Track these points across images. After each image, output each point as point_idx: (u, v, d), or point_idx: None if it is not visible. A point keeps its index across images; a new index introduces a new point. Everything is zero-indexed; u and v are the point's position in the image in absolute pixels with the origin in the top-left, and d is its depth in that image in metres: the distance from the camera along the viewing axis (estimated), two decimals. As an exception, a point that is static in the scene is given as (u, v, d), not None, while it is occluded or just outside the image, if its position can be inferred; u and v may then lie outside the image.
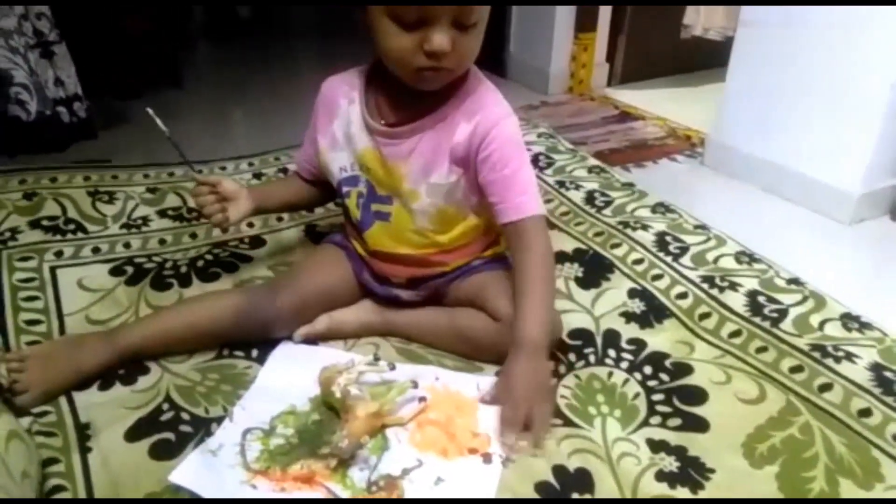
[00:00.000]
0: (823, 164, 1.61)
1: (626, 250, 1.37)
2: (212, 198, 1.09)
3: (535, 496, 0.84)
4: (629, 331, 1.15)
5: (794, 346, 1.11)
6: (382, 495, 0.83)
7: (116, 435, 0.90)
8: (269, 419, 0.93)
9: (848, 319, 1.17)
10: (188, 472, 0.84)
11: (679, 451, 0.91)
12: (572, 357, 1.08)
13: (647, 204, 1.55)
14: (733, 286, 1.26)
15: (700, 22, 2.32)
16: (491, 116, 0.99)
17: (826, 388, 1.02)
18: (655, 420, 0.96)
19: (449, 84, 0.98)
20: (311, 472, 0.85)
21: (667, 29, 2.44)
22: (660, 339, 1.13)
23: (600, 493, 0.85)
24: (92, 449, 0.88)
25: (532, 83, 2.48)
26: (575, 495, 0.84)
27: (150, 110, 1.05)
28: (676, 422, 0.96)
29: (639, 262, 1.33)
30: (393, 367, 0.98)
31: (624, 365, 1.07)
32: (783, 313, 1.19)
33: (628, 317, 1.18)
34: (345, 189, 1.09)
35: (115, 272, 1.26)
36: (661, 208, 1.53)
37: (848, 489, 0.86)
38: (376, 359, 1.00)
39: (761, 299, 1.23)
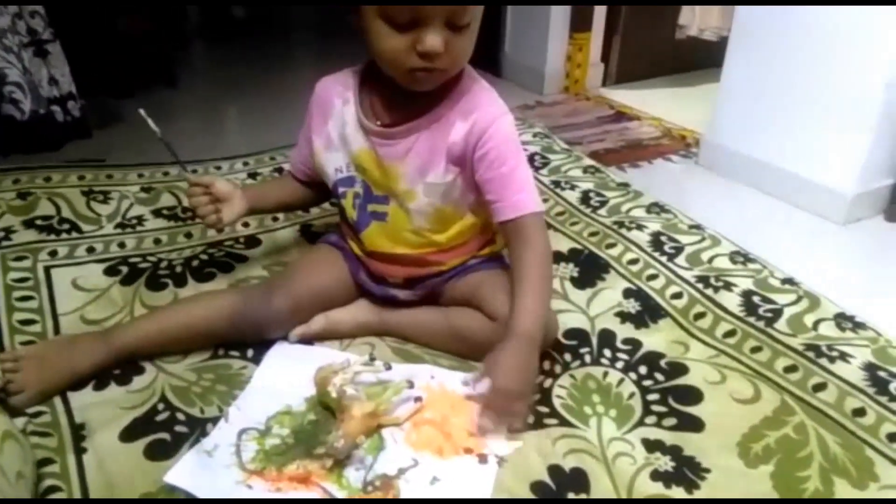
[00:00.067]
0: (818, 164, 1.62)
1: (621, 250, 1.37)
2: (205, 199, 1.09)
3: (531, 496, 0.84)
4: (624, 331, 1.15)
5: (788, 345, 1.11)
6: (378, 495, 0.83)
7: (111, 435, 0.90)
8: (265, 419, 0.93)
9: (842, 319, 1.18)
10: (183, 472, 0.84)
11: (674, 451, 0.91)
12: (568, 357, 1.08)
13: (642, 204, 1.55)
14: (728, 286, 1.26)
15: (695, 22, 2.33)
16: (487, 115, 0.99)
17: (820, 387, 1.03)
18: (651, 420, 0.97)
19: (444, 84, 0.98)
20: (306, 472, 0.85)
21: (661, 29, 2.45)
22: (655, 338, 1.13)
23: (596, 493, 0.85)
24: (87, 449, 0.88)
25: (527, 83, 2.48)
26: (570, 495, 0.84)
27: (142, 111, 1.05)
28: (671, 421, 0.96)
29: (634, 262, 1.34)
30: (389, 367, 0.98)
31: (619, 365, 1.07)
32: (777, 313, 1.19)
33: (623, 317, 1.18)
34: (341, 190, 1.09)
35: (109, 272, 1.26)
36: (656, 208, 1.54)
37: (842, 489, 0.86)
38: (372, 359, 1.00)
39: (756, 299, 1.23)
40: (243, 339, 1.07)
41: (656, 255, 1.36)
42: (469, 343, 1.04)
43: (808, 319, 1.18)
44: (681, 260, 1.34)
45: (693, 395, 1.01)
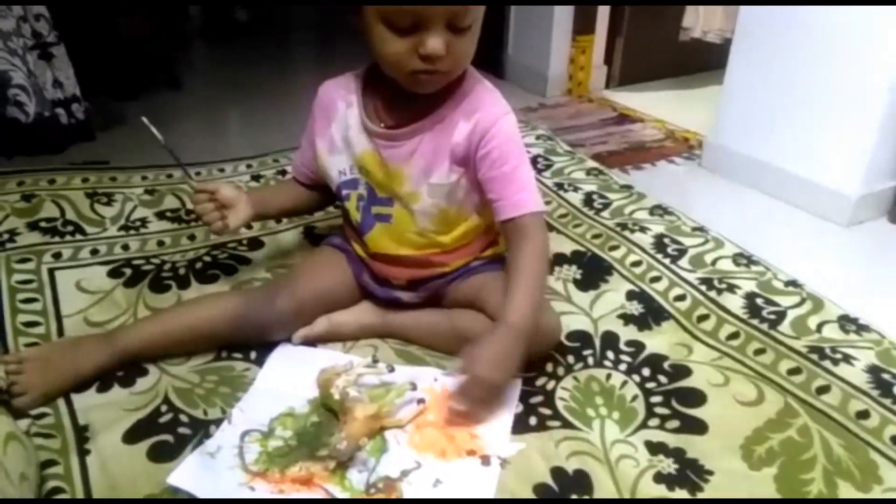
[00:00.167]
0: (821, 166, 1.61)
1: (624, 252, 1.37)
2: (211, 205, 1.09)
3: (534, 498, 0.84)
4: (627, 333, 1.15)
5: (792, 348, 1.11)
6: (381, 497, 0.83)
7: (115, 437, 0.90)
8: (268, 421, 0.93)
9: (846, 321, 1.18)
10: (186, 473, 0.84)
11: (677, 453, 0.91)
12: (571, 359, 1.08)
13: (645, 206, 1.55)
14: (731, 288, 1.26)
15: (699, 24, 2.32)
16: (490, 115, 0.99)
17: (824, 390, 1.03)
18: (654, 422, 0.97)
19: (447, 85, 0.98)
20: (309, 473, 0.85)
21: (664, 31, 2.44)
22: (658, 341, 1.13)
23: (599, 495, 0.85)
24: (90, 451, 0.88)
25: (530, 85, 2.48)
26: (573, 497, 0.84)
27: (144, 119, 1.05)
28: (675, 424, 0.96)
29: (637, 264, 1.34)
30: (392, 369, 0.98)
31: (622, 367, 1.07)
32: (781, 315, 1.19)
33: (627, 319, 1.18)
34: (344, 192, 1.09)
35: (113, 274, 1.26)
36: (660, 210, 1.53)
37: (846, 491, 0.86)
38: (375, 361, 1.00)
39: (759, 301, 1.23)
40: (246, 341, 1.07)
41: (659, 257, 1.36)
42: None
43: (812, 322, 1.18)
44: (684, 262, 1.34)
45: (696, 398, 1.01)
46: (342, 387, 0.92)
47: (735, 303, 1.22)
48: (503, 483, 0.86)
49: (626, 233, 1.43)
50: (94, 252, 1.33)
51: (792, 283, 1.28)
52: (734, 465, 0.90)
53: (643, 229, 1.45)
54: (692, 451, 0.92)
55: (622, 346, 1.11)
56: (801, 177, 1.65)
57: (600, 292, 1.25)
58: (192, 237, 1.40)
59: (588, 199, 1.58)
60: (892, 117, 1.50)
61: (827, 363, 1.08)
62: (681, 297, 1.24)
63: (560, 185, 1.65)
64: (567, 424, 0.95)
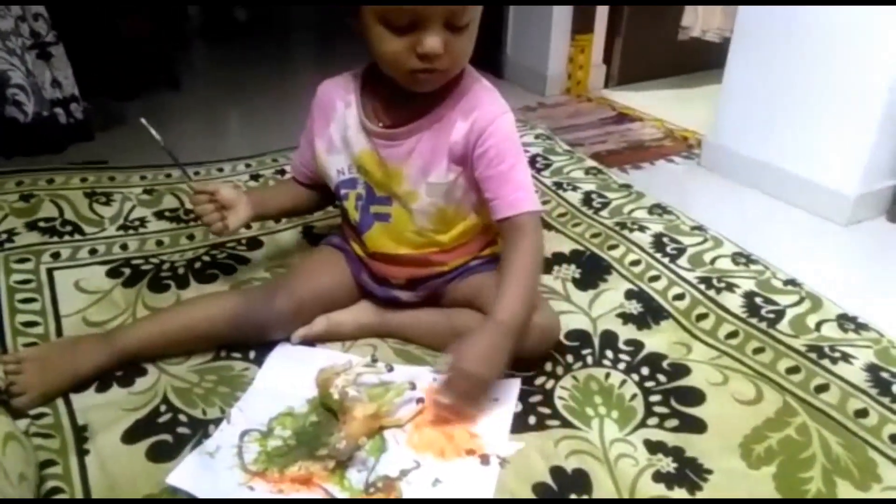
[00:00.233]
0: (820, 165, 1.61)
1: (623, 251, 1.37)
2: (210, 206, 1.09)
3: (533, 497, 0.84)
4: (626, 332, 1.15)
5: (790, 346, 1.11)
6: (380, 496, 0.83)
7: (114, 437, 0.90)
8: (267, 421, 0.93)
9: (844, 320, 1.18)
10: (186, 473, 0.84)
11: (676, 452, 0.91)
12: (570, 358, 1.08)
13: (644, 205, 1.55)
14: (730, 287, 1.26)
15: (698, 23, 2.32)
16: (487, 113, 0.99)
17: (823, 388, 1.03)
18: (653, 421, 0.97)
19: (445, 84, 0.98)
20: (308, 473, 0.85)
21: (663, 30, 2.45)
22: (657, 340, 1.13)
23: (598, 494, 0.85)
24: (89, 451, 0.88)
25: (529, 85, 2.48)
26: (573, 496, 0.84)
27: (143, 120, 1.05)
28: (674, 423, 0.96)
29: (636, 263, 1.34)
30: (391, 369, 0.98)
31: (621, 366, 1.07)
32: (780, 314, 1.19)
33: (625, 318, 1.18)
34: (343, 191, 1.09)
35: (112, 274, 1.26)
36: (658, 209, 1.53)
37: (845, 490, 0.86)
38: (374, 360, 1.00)
39: (758, 300, 1.23)
40: (245, 341, 1.07)
41: (658, 256, 1.36)
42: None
43: (811, 320, 1.18)
44: (683, 261, 1.34)
45: (695, 397, 1.01)
46: (341, 386, 0.92)
47: (734, 302, 1.22)
48: (502, 482, 0.86)
49: (625, 232, 1.43)
50: (93, 252, 1.33)
51: (791, 282, 1.28)
52: (733, 463, 0.90)
53: (642, 228, 1.45)
54: (691, 450, 0.92)
55: (621, 346, 1.11)
56: (800, 176, 1.65)
57: (599, 291, 1.25)
58: (190, 237, 1.40)
59: (587, 199, 1.58)
60: (891, 117, 1.50)
61: (826, 362, 1.08)
62: (680, 297, 1.24)
63: (559, 185, 1.65)
64: (566, 424, 0.95)
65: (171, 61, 2.40)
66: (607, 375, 1.05)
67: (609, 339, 1.13)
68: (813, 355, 1.09)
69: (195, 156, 1.72)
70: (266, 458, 0.87)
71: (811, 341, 1.13)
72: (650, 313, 1.19)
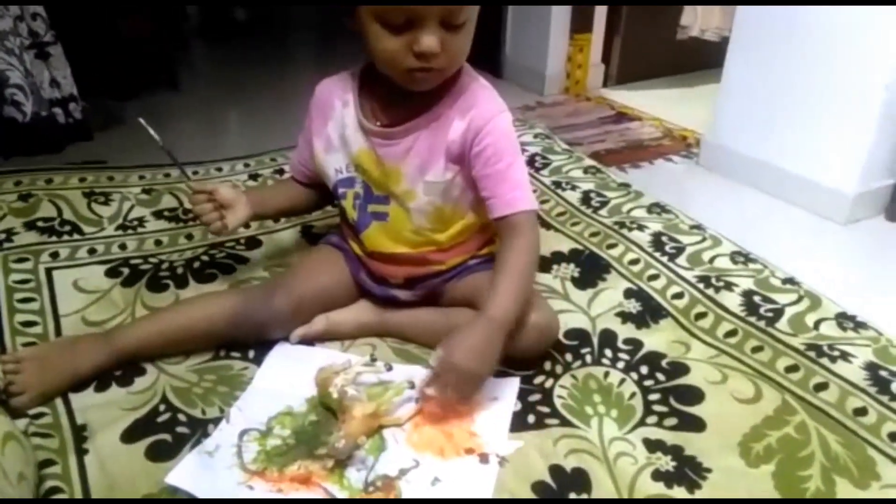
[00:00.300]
0: (819, 164, 1.61)
1: (622, 250, 1.37)
2: (209, 206, 1.09)
3: (532, 496, 0.84)
4: (625, 331, 1.15)
5: (789, 345, 1.11)
6: (379, 496, 0.83)
7: (113, 436, 0.90)
8: (266, 420, 0.94)
9: (843, 319, 1.18)
10: (185, 473, 0.84)
11: (675, 451, 0.91)
12: (569, 357, 1.08)
13: (642, 204, 1.55)
14: (729, 286, 1.26)
15: (697, 23, 2.33)
16: (484, 112, 0.99)
17: (822, 387, 1.03)
18: (652, 420, 0.97)
19: (442, 82, 0.98)
20: (308, 472, 0.85)
21: (662, 29, 2.45)
22: (656, 338, 1.13)
23: (597, 493, 0.85)
24: (88, 450, 0.88)
25: (528, 84, 2.48)
26: (572, 495, 0.84)
27: (142, 120, 1.05)
28: (673, 421, 0.96)
29: (635, 262, 1.34)
30: (390, 368, 0.98)
31: (620, 365, 1.07)
32: (779, 313, 1.19)
33: (624, 317, 1.18)
34: (341, 190, 1.09)
35: (111, 273, 1.26)
36: (657, 209, 1.54)
37: (844, 488, 0.86)
38: (373, 359, 1.00)
39: (757, 299, 1.23)
40: (244, 340, 1.07)
41: (657, 255, 1.36)
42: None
43: (810, 319, 1.18)
44: (682, 260, 1.34)
45: (694, 395, 1.01)
46: (340, 385, 0.92)
47: (733, 300, 1.22)
48: (502, 481, 0.86)
49: (624, 231, 1.43)
50: (92, 251, 1.33)
51: (789, 280, 1.28)
52: (732, 462, 0.90)
53: (641, 227, 1.45)
54: (690, 449, 0.92)
55: (620, 344, 1.11)
56: (799, 175, 1.65)
57: (598, 290, 1.25)
58: (189, 236, 1.40)
59: (586, 198, 1.58)
60: (890, 115, 1.50)
61: (825, 360, 1.08)
62: (678, 295, 1.24)
63: (558, 184, 1.65)
64: (565, 422, 0.95)
65: (170, 61, 2.40)
66: (606, 374, 1.05)
67: (608, 338, 1.13)
68: (812, 354, 1.09)
69: (194, 155, 1.72)
70: (265, 457, 0.87)
71: (810, 340, 1.13)
72: (649, 312, 1.19)
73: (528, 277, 0.99)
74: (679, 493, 0.85)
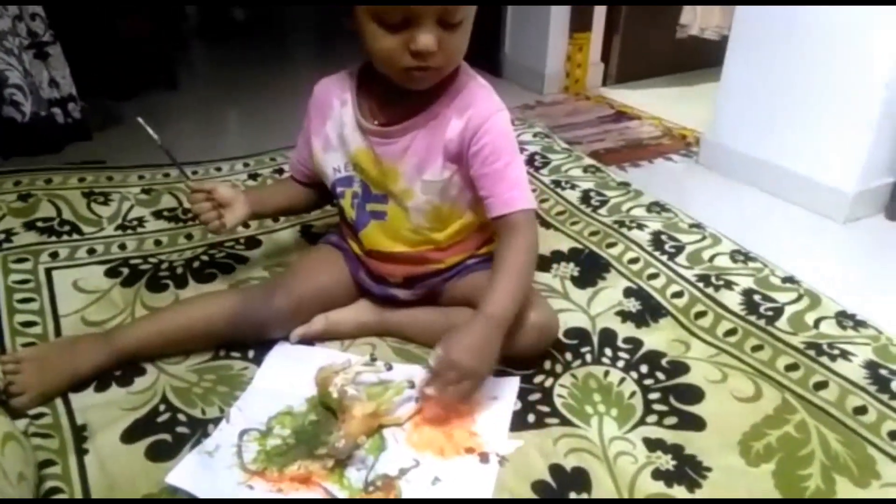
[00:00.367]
0: (818, 162, 1.61)
1: (621, 249, 1.37)
2: (207, 205, 1.09)
3: (533, 495, 0.84)
4: (625, 330, 1.15)
5: (789, 344, 1.11)
6: (380, 495, 0.83)
7: (113, 436, 0.90)
8: (266, 420, 0.93)
9: (843, 317, 1.18)
10: (185, 473, 0.84)
11: (675, 450, 0.91)
12: (569, 356, 1.08)
13: (642, 203, 1.55)
14: (729, 285, 1.26)
15: (697, 22, 2.33)
16: (482, 111, 0.99)
17: (821, 386, 1.03)
18: (652, 419, 0.97)
19: (440, 81, 0.98)
20: (308, 472, 0.85)
21: (661, 28, 2.45)
22: (656, 337, 1.13)
23: (597, 493, 0.85)
24: (88, 451, 0.88)
25: (527, 83, 2.48)
26: (572, 494, 0.84)
27: (140, 119, 1.05)
28: (673, 420, 0.96)
29: (634, 261, 1.34)
30: (390, 368, 0.98)
31: (620, 364, 1.07)
32: (778, 312, 1.19)
33: (624, 316, 1.18)
34: (339, 189, 1.09)
35: (110, 273, 1.26)
36: (657, 207, 1.53)
37: (844, 487, 0.86)
38: (373, 359, 1.00)
39: (757, 298, 1.23)
40: (244, 340, 1.07)
41: (657, 254, 1.36)
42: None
43: (809, 318, 1.18)
44: (681, 259, 1.34)
45: (694, 394, 1.01)
46: (340, 385, 0.92)
47: (732, 299, 1.22)
48: (502, 481, 0.86)
49: (624, 230, 1.43)
50: (91, 252, 1.33)
51: (789, 279, 1.28)
52: (732, 461, 0.90)
53: (640, 226, 1.45)
54: (690, 448, 0.92)
55: (620, 343, 1.11)
56: (799, 174, 1.65)
57: (598, 289, 1.25)
58: (189, 236, 1.39)
59: (585, 197, 1.58)
60: (889, 114, 1.51)
61: (824, 359, 1.08)
62: (678, 294, 1.24)
63: (557, 183, 1.65)
64: (565, 422, 0.95)
65: (168, 61, 2.40)
66: (606, 373, 1.05)
67: (608, 337, 1.13)
68: (812, 352, 1.09)
69: (193, 155, 1.72)
70: (265, 457, 0.87)
71: (810, 339, 1.13)
72: (649, 311, 1.19)
73: (526, 276, 0.99)
74: (679, 492, 0.85)
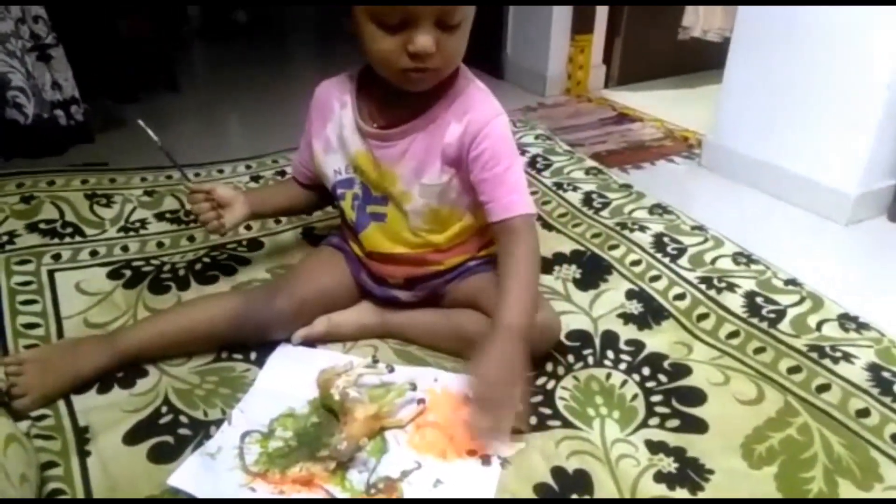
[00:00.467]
0: (821, 164, 1.61)
1: (623, 251, 1.37)
2: (207, 205, 1.09)
3: (534, 497, 0.84)
4: (627, 332, 1.15)
5: (791, 346, 1.11)
6: (381, 497, 0.83)
7: (115, 438, 0.90)
8: (268, 422, 0.93)
9: (845, 320, 1.18)
10: (187, 475, 0.84)
11: (678, 453, 0.91)
12: (570, 358, 1.08)
13: (644, 205, 1.55)
14: (731, 287, 1.26)
15: (699, 24, 2.33)
16: (481, 116, 0.99)
17: (824, 388, 1.03)
18: (654, 421, 0.97)
19: (438, 84, 0.98)
20: (309, 474, 0.85)
21: (663, 30, 2.45)
22: (658, 340, 1.13)
23: (599, 495, 0.85)
24: (91, 452, 0.88)
25: (529, 85, 2.48)
26: (574, 497, 0.84)
27: (141, 122, 1.05)
28: (675, 423, 0.96)
29: (636, 263, 1.34)
30: (392, 369, 0.98)
31: (622, 366, 1.07)
32: (781, 314, 1.19)
33: (626, 318, 1.18)
34: (339, 191, 1.09)
35: (113, 275, 1.26)
36: (659, 209, 1.53)
37: (846, 489, 0.86)
38: (375, 361, 1.00)
39: (759, 300, 1.23)
40: (246, 342, 1.07)
41: (659, 256, 1.36)
42: (471, 344, 1.03)
43: (812, 320, 1.18)
44: (683, 261, 1.34)
45: (696, 397, 1.01)
46: (342, 387, 0.92)
47: (735, 302, 1.22)
48: (503, 483, 0.86)
49: (626, 232, 1.43)
50: (94, 254, 1.33)
51: (791, 281, 1.28)
52: (734, 464, 0.90)
53: (642, 228, 1.45)
54: (692, 450, 0.92)
55: (622, 346, 1.11)
56: (801, 175, 1.65)
57: (600, 291, 1.25)
58: (191, 238, 1.40)
59: (587, 199, 1.58)
60: (891, 116, 1.50)
61: (827, 361, 1.08)
62: (680, 296, 1.24)
63: (559, 185, 1.65)
64: (567, 424, 0.95)
65: (170, 63, 2.40)
66: (608, 376, 1.05)
67: (610, 339, 1.13)
68: (814, 355, 1.09)
69: (195, 157, 1.72)
70: (267, 459, 0.87)
71: (812, 341, 1.13)
72: (651, 313, 1.19)
73: (534, 283, 0.99)
74: (681, 494, 0.85)
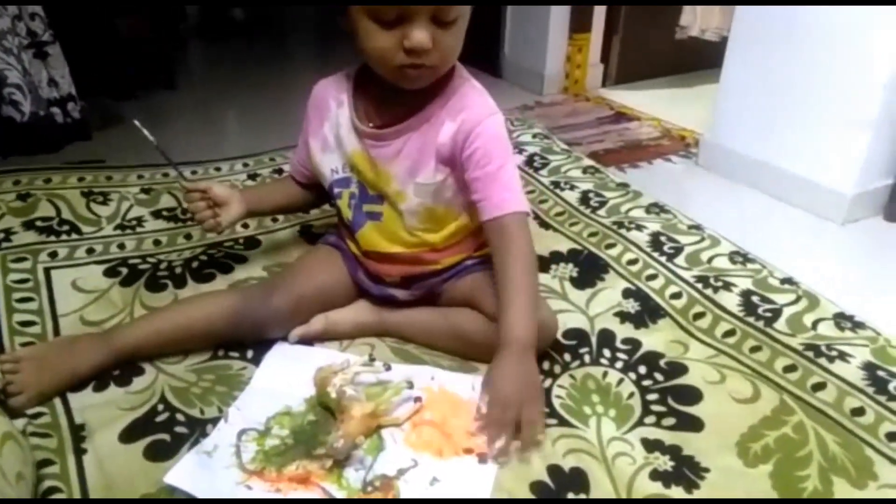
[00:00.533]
0: (817, 164, 1.62)
1: (620, 250, 1.37)
2: (203, 204, 1.09)
3: (531, 496, 0.84)
4: (624, 331, 1.15)
5: (787, 345, 1.12)
6: (378, 495, 0.83)
7: (111, 436, 0.90)
8: (265, 420, 0.93)
9: (841, 319, 1.18)
10: (183, 473, 0.84)
11: (673, 451, 0.91)
12: (567, 357, 1.08)
13: (641, 204, 1.55)
14: (727, 286, 1.26)
15: (697, 23, 2.33)
16: (475, 115, 0.99)
17: (819, 387, 1.03)
18: (650, 420, 0.97)
19: (434, 83, 0.98)
20: (306, 472, 0.85)
21: (661, 29, 2.45)
22: (654, 338, 1.13)
23: (595, 493, 0.85)
24: (87, 450, 0.88)
25: (527, 84, 2.48)
26: (570, 495, 0.84)
27: (136, 122, 1.05)
28: (671, 421, 0.96)
29: (633, 262, 1.34)
30: (388, 368, 0.98)
31: (619, 365, 1.07)
32: (777, 313, 1.19)
33: (623, 317, 1.18)
34: (336, 190, 1.09)
35: (109, 273, 1.26)
36: (656, 209, 1.54)
37: (841, 488, 0.86)
38: (372, 359, 1.01)
39: (755, 299, 1.23)
40: (243, 340, 1.07)
41: (656, 255, 1.36)
42: (468, 343, 1.05)
43: (808, 319, 1.18)
44: (680, 260, 1.34)
45: (692, 395, 1.01)
46: (339, 385, 0.92)
47: (731, 300, 1.22)
48: (500, 481, 0.86)
49: (623, 231, 1.44)
50: (90, 251, 1.33)
51: (787, 280, 1.28)
52: (730, 462, 0.90)
53: (639, 227, 1.45)
54: (688, 449, 0.92)
55: (618, 344, 1.12)
56: (798, 175, 1.65)
57: (597, 290, 1.25)
58: (188, 236, 1.39)
59: (584, 198, 1.58)
60: (888, 115, 1.51)
61: (822, 360, 1.08)
62: (677, 295, 1.24)
63: (556, 184, 1.65)
64: (564, 422, 0.95)
65: (168, 61, 2.40)
66: (605, 374, 1.05)
67: (606, 337, 1.13)
68: (810, 354, 1.09)
69: (192, 155, 1.72)
70: (264, 457, 0.87)
71: (808, 340, 1.13)
72: (647, 312, 1.20)
73: (534, 287, 0.99)
74: (677, 492, 0.86)
